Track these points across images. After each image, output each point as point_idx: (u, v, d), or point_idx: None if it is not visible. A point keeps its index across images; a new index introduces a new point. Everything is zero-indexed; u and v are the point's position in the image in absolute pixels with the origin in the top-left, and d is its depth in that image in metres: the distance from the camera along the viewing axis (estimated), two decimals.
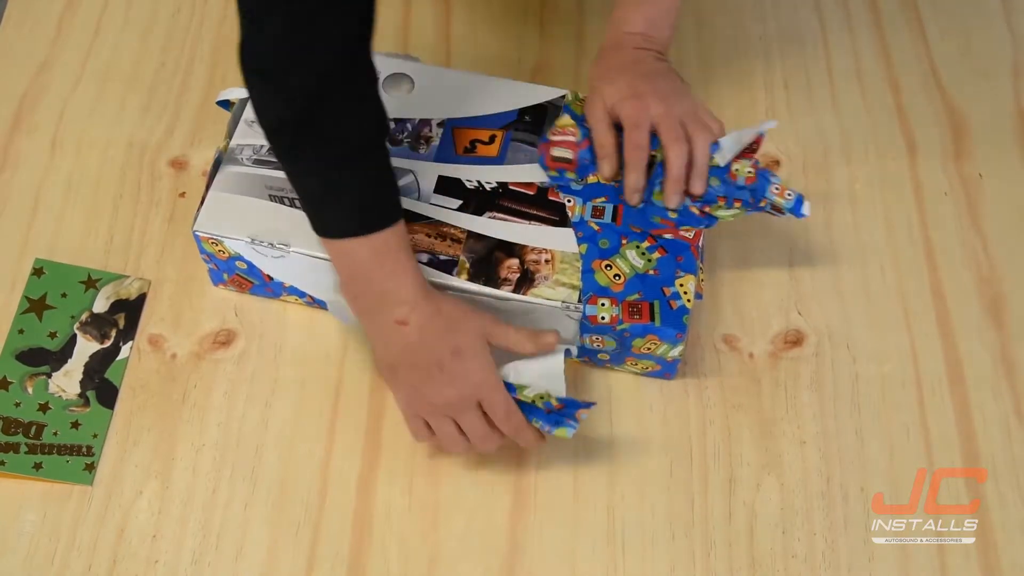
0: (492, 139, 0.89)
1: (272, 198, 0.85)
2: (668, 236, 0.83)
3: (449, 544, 0.80)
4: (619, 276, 0.82)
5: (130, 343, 0.88)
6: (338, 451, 0.83)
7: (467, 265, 0.82)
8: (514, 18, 1.09)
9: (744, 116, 1.01)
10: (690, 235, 0.83)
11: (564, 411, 0.76)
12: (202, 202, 0.85)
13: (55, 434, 0.83)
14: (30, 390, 0.85)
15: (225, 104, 0.91)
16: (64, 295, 0.90)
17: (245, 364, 0.87)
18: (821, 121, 1.02)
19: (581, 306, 0.80)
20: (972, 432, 0.85)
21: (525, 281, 0.82)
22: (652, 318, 0.80)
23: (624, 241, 0.83)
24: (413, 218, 0.84)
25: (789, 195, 0.84)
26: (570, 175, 0.87)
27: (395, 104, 0.90)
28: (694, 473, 0.83)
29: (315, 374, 0.87)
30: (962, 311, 0.91)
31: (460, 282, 0.82)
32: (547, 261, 0.83)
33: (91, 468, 0.82)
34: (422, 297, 0.75)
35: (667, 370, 0.86)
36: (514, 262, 0.83)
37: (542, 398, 0.76)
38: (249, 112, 0.89)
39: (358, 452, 0.83)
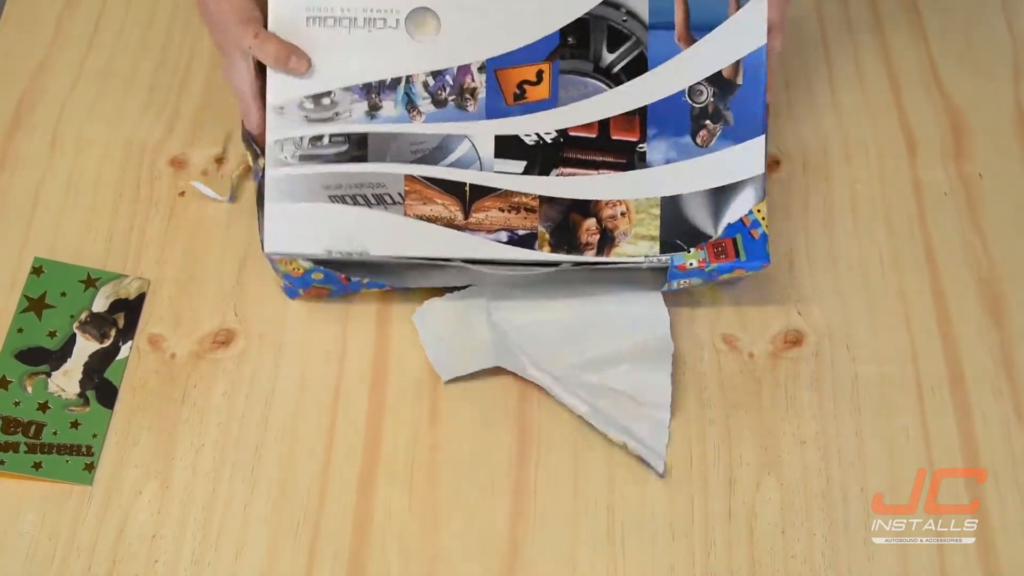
0: (540, 76, 0.82)
1: (333, 199, 0.81)
2: None
3: (449, 544, 0.80)
4: None
5: (130, 343, 0.88)
6: (338, 451, 0.83)
7: (547, 236, 0.82)
8: None
9: None
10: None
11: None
12: (260, 216, 0.81)
13: (55, 434, 0.83)
14: (29, 389, 0.85)
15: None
16: (63, 294, 0.90)
17: (245, 364, 0.87)
18: (821, 121, 1.02)
19: (664, 258, 0.82)
20: (972, 432, 0.85)
21: (606, 242, 0.82)
22: (737, 254, 0.83)
23: None
24: (482, 192, 0.82)
25: None
26: None
27: (425, 51, 0.81)
28: (694, 473, 0.83)
29: (315, 374, 0.87)
30: (962, 311, 0.91)
31: (544, 255, 0.81)
32: (623, 214, 0.83)
33: (91, 468, 0.82)
34: None
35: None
36: (591, 223, 0.82)
37: (623, 447, 0.81)
38: (275, 98, 0.81)
39: (358, 452, 0.83)
